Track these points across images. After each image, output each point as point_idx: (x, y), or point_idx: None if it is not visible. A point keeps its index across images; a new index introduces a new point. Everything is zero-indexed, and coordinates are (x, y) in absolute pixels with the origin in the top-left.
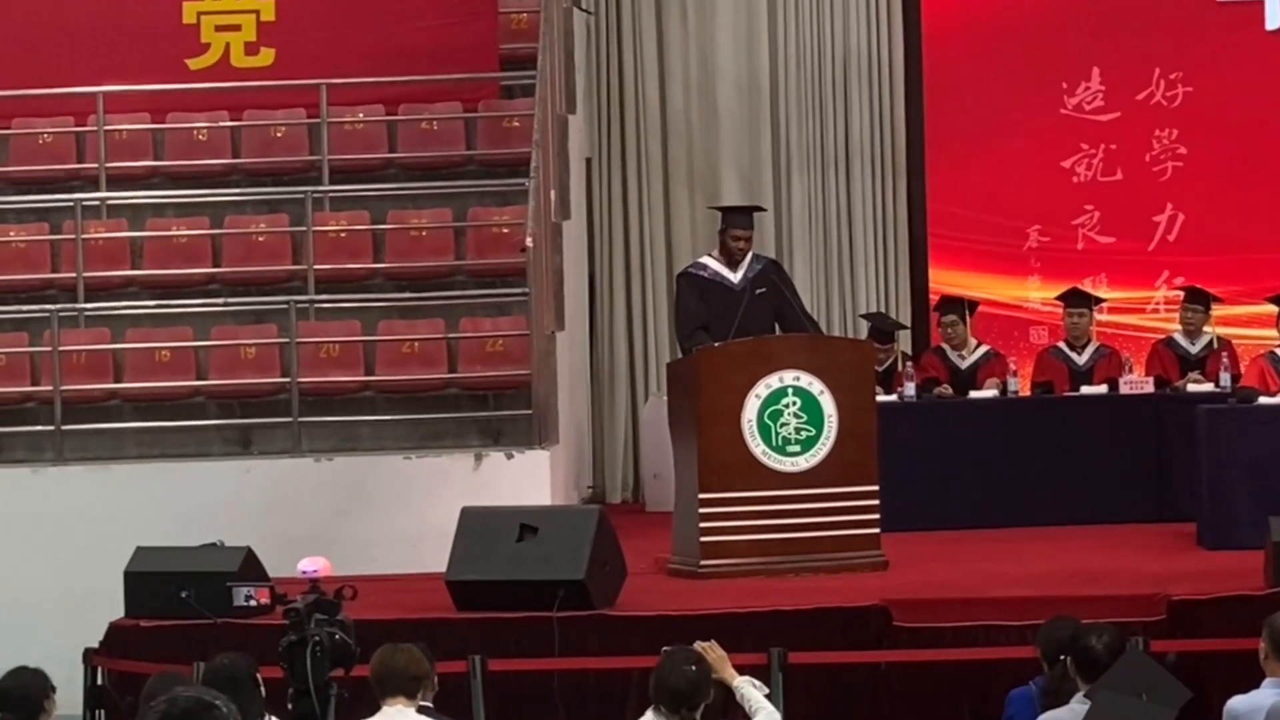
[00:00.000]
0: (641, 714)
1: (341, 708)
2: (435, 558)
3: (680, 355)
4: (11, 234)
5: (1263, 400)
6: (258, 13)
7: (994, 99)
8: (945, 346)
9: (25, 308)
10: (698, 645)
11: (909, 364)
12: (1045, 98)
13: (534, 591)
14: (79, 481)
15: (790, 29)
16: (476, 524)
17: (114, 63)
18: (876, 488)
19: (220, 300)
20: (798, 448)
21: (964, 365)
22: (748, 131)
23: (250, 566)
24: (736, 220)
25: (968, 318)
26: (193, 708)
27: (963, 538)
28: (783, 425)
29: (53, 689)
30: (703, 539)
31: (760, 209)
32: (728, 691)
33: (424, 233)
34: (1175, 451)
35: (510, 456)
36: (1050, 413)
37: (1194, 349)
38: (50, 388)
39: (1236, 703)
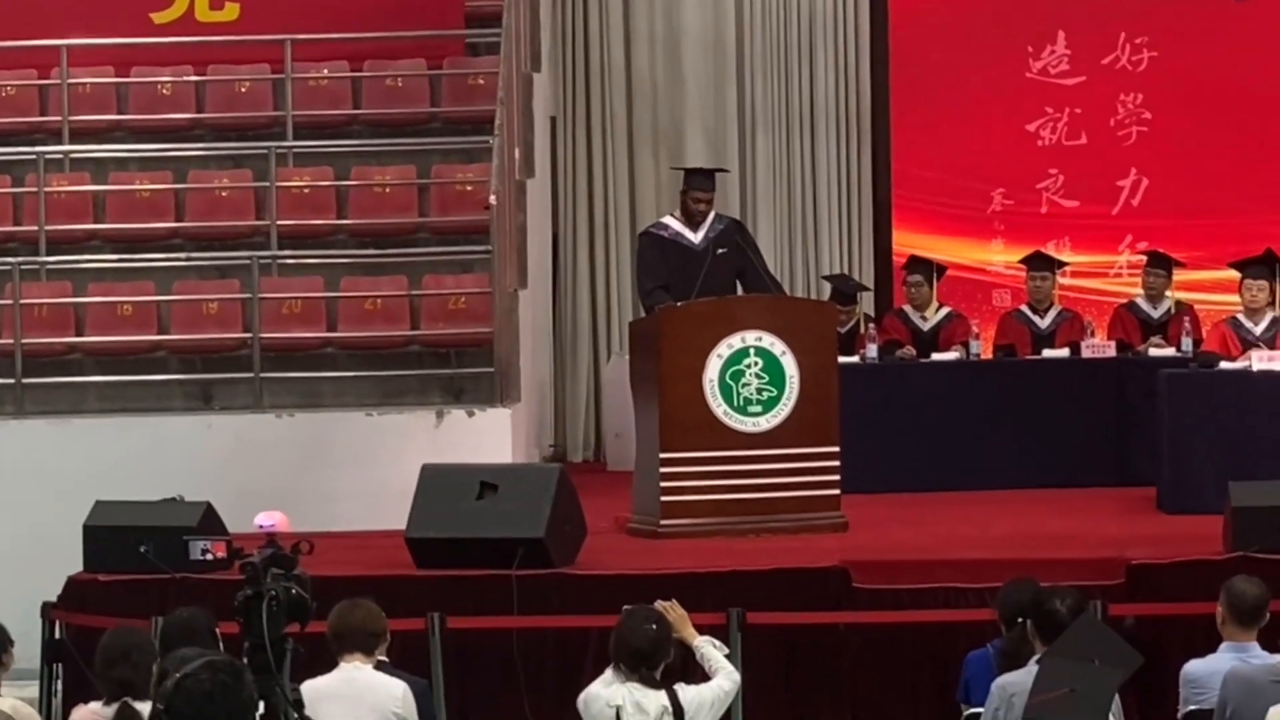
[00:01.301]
0: (601, 672)
1: (298, 663)
2: (395, 515)
3: (642, 314)
4: None
5: (1224, 365)
6: None
7: (959, 61)
8: (907, 308)
9: None
10: (658, 604)
11: (871, 326)
12: (1010, 61)
13: (493, 549)
14: (39, 435)
15: None
16: (437, 481)
17: (78, 16)
18: (837, 449)
19: (183, 255)
20: (759, 408)
21: (926, 327)
22: (712, 91)
23: (210, 522)
24: (697, 182)
25: (934, 280)
26: (230, 669)
27: (923, 500)
28: (744, 385)
29: (10, 642)
30: (663, 498)
31: (723, 170)
32: (687, 651)
33: (388, 189)
34: (1136, 416)
35: (471, 414)
36: (1012, 376)
37: (1156, 313)
38: (11, 341)
39: (1194, 666)
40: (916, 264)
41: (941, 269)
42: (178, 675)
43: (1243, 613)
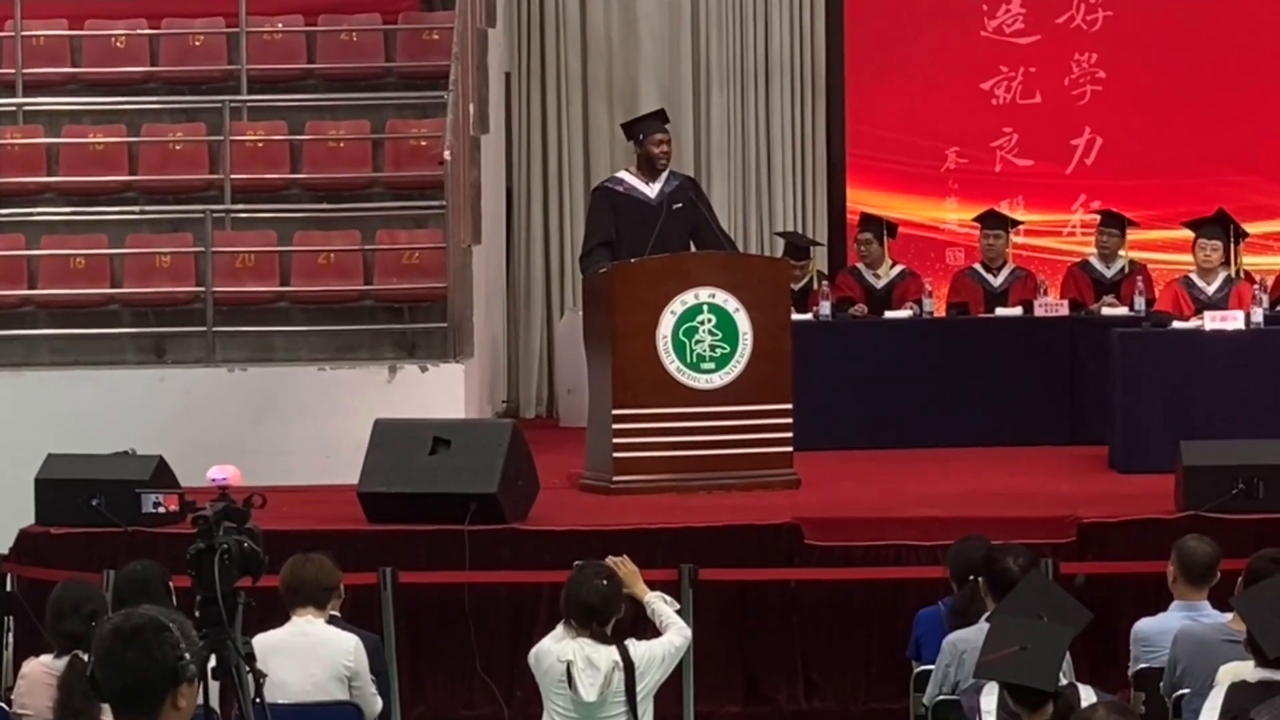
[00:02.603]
0: (552, 628)
1: (250, 617)
2: (348, 469)
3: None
4: None
5: (1176, 324)
6: None
7: (914, 20)
8: (861, 266)
9: None
10: (609, 560)
11: (824, 283)
12: (965, 20)
13: (446, 504)
14: None
15: None
16: (389, 436)
17: None
18: (790, 406)
19: (136, 208)
20: (712, 365)
21: (879, 285)
22: (667, 48)
23: (162, 475)
24: (653, 126)
25: (885, 238)
26: (144, 625)
27: (875, 457)
28: (697, 342)
29: None
30: (616, 455)
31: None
32: (639, 606)
33: (342, 144)
34: (1089, 375)
35: (425, 369)
36: (965, 334)
37: (1109, 272)
38: None
39: (1144, 625)
40: (868, 222)
41: (893, 227)
42: (98, 630)
43: (1194, 572)
